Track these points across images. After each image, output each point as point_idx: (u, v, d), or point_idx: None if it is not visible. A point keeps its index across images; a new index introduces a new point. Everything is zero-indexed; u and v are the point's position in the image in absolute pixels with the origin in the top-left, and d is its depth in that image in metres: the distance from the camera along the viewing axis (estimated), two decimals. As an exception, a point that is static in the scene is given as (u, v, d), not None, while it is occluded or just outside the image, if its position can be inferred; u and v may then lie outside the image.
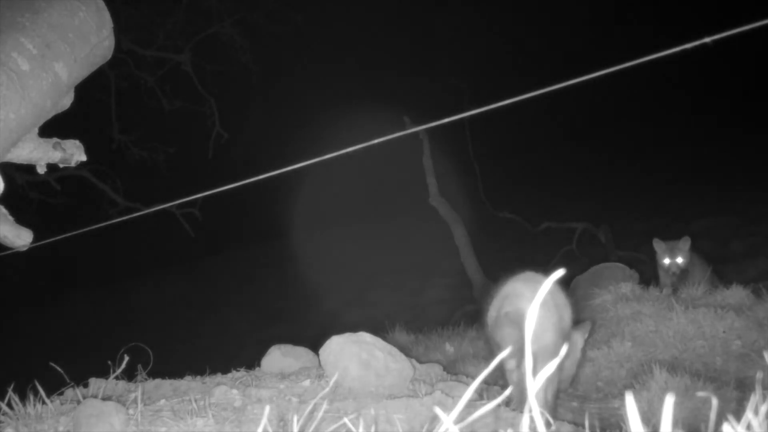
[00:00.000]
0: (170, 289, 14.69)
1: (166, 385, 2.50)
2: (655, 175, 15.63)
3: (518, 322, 2.39)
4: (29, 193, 9.04)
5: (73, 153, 2.32)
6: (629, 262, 5.37)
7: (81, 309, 14.01)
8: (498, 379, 2.98)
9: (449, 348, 4.27)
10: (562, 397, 2.88)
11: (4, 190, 2.01)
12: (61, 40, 2.13)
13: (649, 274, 4.51)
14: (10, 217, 2.21)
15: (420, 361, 2.94)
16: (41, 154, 2.23)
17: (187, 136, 11.07)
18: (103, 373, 2.42)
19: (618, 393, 2.97)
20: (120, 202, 9.48)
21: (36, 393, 2.08)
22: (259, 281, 13.86)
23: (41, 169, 2.32)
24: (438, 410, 0.96)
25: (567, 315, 2.57)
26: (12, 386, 2.05)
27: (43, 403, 2.09)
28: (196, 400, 2.07)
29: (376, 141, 1.91)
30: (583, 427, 2.31)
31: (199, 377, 2.67)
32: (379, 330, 3.50)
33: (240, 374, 2.66)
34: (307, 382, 2.38)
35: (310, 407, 1.95)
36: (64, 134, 2.35)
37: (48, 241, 2.33)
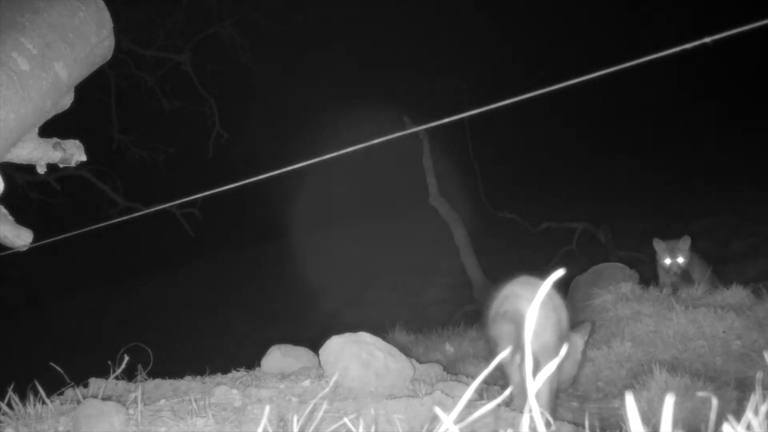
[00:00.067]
0: (170, 289, 14.69)
1: (166, 385, 2.50)
2: (655, 175, 15.63)
3: (517, 322, 2.40)
4: (29, 193, 9.04)
5: (73, 153, 2.32)
6: (629, 262, 5.36)
7: (81, 309, 14.01)
8: (498, 379, 2.98)
9: (449, 348, 4.27)
10: (562, 397, 2.89)
11: (4, 190, 2.01)
12: (61, 40, 2.13)
13: (649, 274, 4.50)
14: (10, 217, 2.21)
15: (420, 361, 2.94)
16: (41, 154, 2.23)
17: (187, 136, 11.07)
18: (103, 373, 2.42)
19: (618, 393, 2.97)
20: (120, 202, 9.48)
21: (36, 393, 2.08)
22: (259, 281, 13.86)
23: (41, 169, 2.32)
24: (438, 410, 0.96)
25: (564, 317, 2.58)
26: (12, 386, 2.05)
27: (43, 403, 2.09)
28: (196, 400, 2.07)
29: (376, 141, 1.91)
30: (583, 427, 2.32)
31: (199, 377, 2.67)
32: (379, 330, 3.50)
33: (240, 374, 2.66)
34: (307, 382, 2.38)
35: (310, 407, 1.95)
36: (64, 134, 2.35)
37: (48, 241, 2.34)
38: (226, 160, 10.77)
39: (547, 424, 1.38)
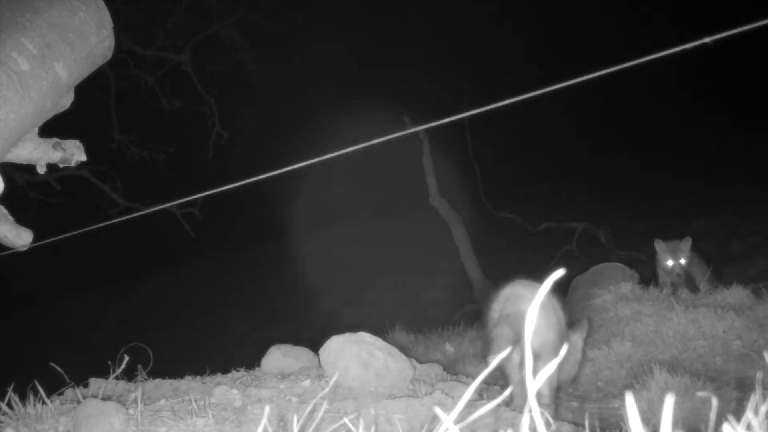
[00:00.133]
0: (170, 289, 14.69)
1: (166, 385, 2.50)
2: (655, 175, 15.63)
3: (520, 323, 2.40)
4: (29, 193, 9.04)
5: (73, 153, 2.32)
6: (629, 262, 5.36)
7: (81, 309, 14.01)
8: (498, 379, 2.98)
9: (449, 348, 4.27)
10: (562, 396, 2.89)
11: (4, 190, 2.01)
12: (61, 40, 2.13)
13: (649, 274, 4.50)
14: (10, 217, 2.21)
15: (420, 361, 2.94)
16: (41, 154, 2.23)
17: (187, 136, 11.07)
18: (103, 373, 2.42)
19: (618, 393, 2.97)
20: (120, 202, 9.48)
21: (36, 393, 2.08)
22: (259, 281, 13.86)
23: (41, 169, 2.32)
24: (438, 410, 0.96)
25: (562, 317, 2.61)
26: (12, 386, 2.05)
27: (43, 403, 2.09)
28: (196, 400, 2.07)
29: (376, 141, 1.91)
30: (583, 427, 2.32)
31: (199, 377, 2.67)
32: (379, 330, 3.50)
33: (240, 374, 2.66)
34: (307, 382, 2.38)
35: (310, 407, 1.95)
36: (64, 134, 2.35)
37: (48, 241, 2.34)
38: (226, 160, 10.77)
39: (547, 424, 1.38)
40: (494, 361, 1.04)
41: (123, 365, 2.34)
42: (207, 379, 2.63)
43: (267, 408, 1.98)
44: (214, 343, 10.55)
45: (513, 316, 2.44)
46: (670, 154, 16.93)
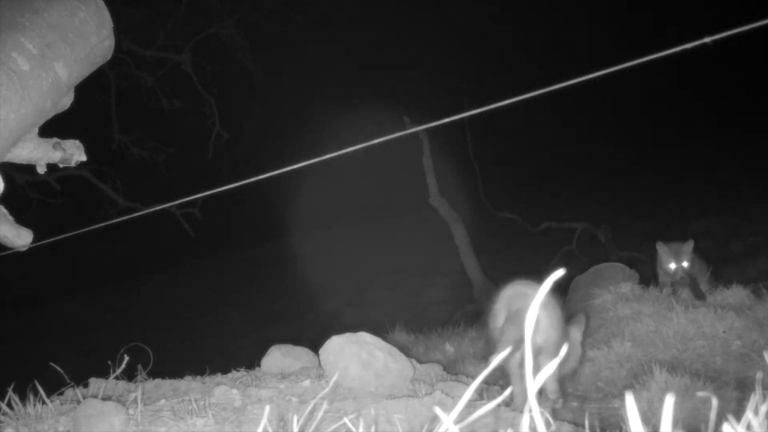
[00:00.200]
0: (170, 289, 14.69)
1: (166, 385, 2.50)
2: (655, 175, 15.64)
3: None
4: (29, 193, 9.04)
5: (73, 153, 2.32)
6: (629, 262, 5.36)
7: (81, 309, 14.00)
8: (498, 379, 2.98)
9: (449, 348, 4.27)
10: (564, 392, 2.90)
11: (4, 190, 2.01)
12: (61, 40, 2.13)
13: (649, 274, 4.50)
14: (10, 217, 2.21)
15: (420, 361, 2.94)
16: (41, 154, 2.23)
17: (187, 136, 11.07)
18: (103, 373, 2.42)
19: (618, 393, 2.97)
20: (120, 202, 9.48)
21: (36, 393, 2.08)
22: (258, 281, 13.86)
23: (41, 169, 2.32)
24: (438, 410, 0.96)
25: (563, 316, 2.63)
26: (12, 386, 2.05)
27: (43, 403, 2.09)
28: (196, 400, 2.07)
29: (376, 141, 1.91)
30: (583, 427, 2.32)
31: (199, 377, 2.67)
32: (379, 330, 3.50)
33: (240, 374, 2.66)
34: (307, 382, 2.38)
35: (310, 407, 1.95)
36: (64, 134, 2.35)
37: (48, 241, 2.33)
38: (226, 160, 10.76)
39: (547, 424, 1.38)
40: (495, 361, 1.04)
41: (123, 365, 2.34)
42: (207, 379, 2.63)
43: (267, 408, 1.98)
44: (214, 343, 10.54)
45: (520, 314, 2.45)
46: (670, 154, 16.94)
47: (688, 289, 3.93)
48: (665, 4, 18.25)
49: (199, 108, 10.14)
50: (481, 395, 2.68)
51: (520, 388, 2.44)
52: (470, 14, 16.43)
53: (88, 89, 2.54)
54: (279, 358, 2.76)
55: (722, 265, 7.01)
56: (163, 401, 2.18)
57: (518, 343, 2.38)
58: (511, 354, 2.36)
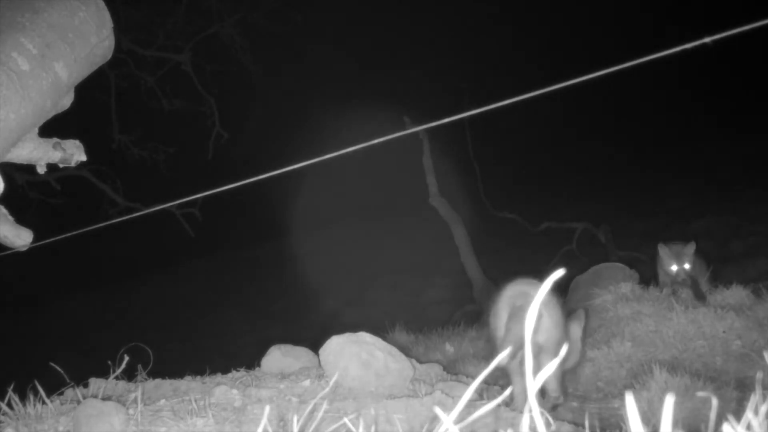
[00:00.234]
0: (170, 289, 14.69)
1: (166, 385, 2.50)
2: (655, 175, 15.63)
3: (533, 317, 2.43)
4: (29, 193, 9.03)
5: (73, 153, 2.32)
6: (629, 262, 5.36)
7: (81, 309, 14.01)
8: (498, 379, 2.98)
9: (449, 348, 4.27)
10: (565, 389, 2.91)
11: (4, 190, 2.01)
12: (61, 40, 2.13)
13: (649, 274, 4.50)
14: (10, 217, 2.21)
15: (420, 361, 2.94)
16: (41, 154, 2.23)
17: (187, 136, 11.07)
18: (103, 373, 2.42)
19: (618, 393, 2.97)
20: (120, 202, 9.48)
21: (36, 393, 2.08)
22: (258, 281, 13.87)
23: (41, 169, 2.32)
24: (438, 410, 0.96)
25: (564, 315, 2.66)
26: (12, 386, 2.05)
27: (43, 403, 2.09)
28: (196, 400, 2.07)
29: (376, 141, 1.91)
30: (583, 427, 2.32)
31: (199, 377, 2.67)
32: (379, 330, 3.50)
33: (240, 374, 2.67)
34: (307, 382, 2.38)
35: (310, 407, 1.95)
36: (64, 134, 2.35)
37: (48, 241, 2.33)
38: (226, 160, 10.77)
39: (547, 424, 1.38)
40: (498, 360, 1.04)
41: (123, 365, 2.34)
42: (207, 379, 2.63)
43: (267, 408, 1.98)
44: (214, 343, 10.54)
45: (523, 312, 2.46)
46: (670, 154, 16.94)
47: (689, 289, 3.94)
48: (665, 4, 18.26)
49: (199, 108, 10.14)
50: (481, 395, 2.68)
51: (520, 387, 2.45)
52: (470, 14, 16.43)
53: (88, 89, 2.54)
54: (279, 358, 2.76)
55: (722, 265, 7.01)
56: (163, 401, 2.18)
57: (522, 342, 2.38)
58: (515, 353, 2.37)
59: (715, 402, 1.93)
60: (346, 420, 1.72)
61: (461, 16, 16.54)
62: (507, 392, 1.70)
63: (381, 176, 15.00)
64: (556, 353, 2.40)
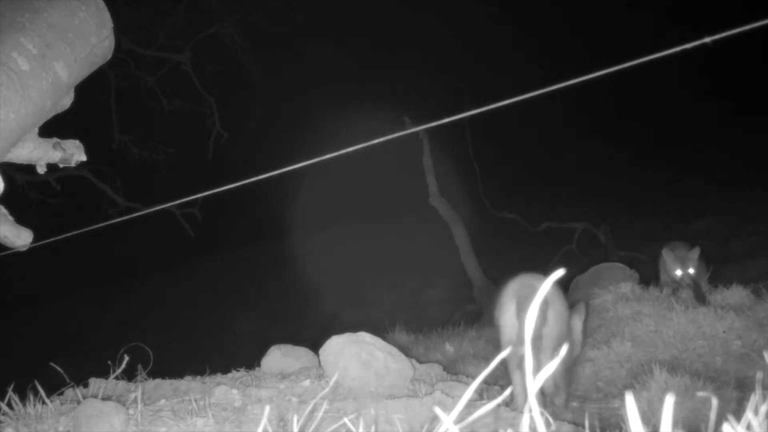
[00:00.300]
0: (170, 289, 14.69)
1: (166, 385, 2.50)
2: (655, 175, 15.64)
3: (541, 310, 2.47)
4: (29, 193, 9.03)
5: (73, 153, 2.32)
6: (629, 262, 5.36)
7: (81, 309, 14.01)
8: (498, 379, 2.98)
9: (449, 348, 4.27)
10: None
11: (4, 190, 2.01)
12: (61, 40, 2.13)
13: (649, 274, 4.50)
14: (10, 217, 2.21)
15: (420, 361, 2.94)
16: (41, 154, 2.23)
17: (187, 136, 11.07)
18: (103, 373, 2.42)
19: (618, 393, 2.98)
20: (120, 202, 9.47)
21: (36, 393, 2.08)
22: (259, 281, 13.87)
23: (41, 169, 2.32)
24: (438, 410, 0.96)
25: (568, 309, 2.72)
26: (12, 386, 2.05)
27: (43, 403, 2.09)
28: (196, 400, 2.07)
29: (376, 141, 1.91)
30: (583, 427, 2.32)
31: (199, 377, 2.67)
32: (379, 330, 3.50)
33: (240, 374, 2.67)
34: (307, 382, 2.38)
35: (310, 407, 1.95)
36: (64, 134, 2.35)
37: (48, 241, 2.33)
38: (226, 160, 10.76)
39: (547, 424, 1.38)
40: (506, 351, 1.04)
41: (123, 365, 2.34)
42: (207, 379, 2.64)
43: (267, 408, 1.98)
44: (214, 343, 10.54)
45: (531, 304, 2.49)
46: (670, 154, 16.94)
47: (690, 291, 3.94)
48: (665, 4, 18.26)
49: (199, 108, 10.13)
50: (481, 395, 2.68)
51: (521, 386, 2.46)
52: (470, 14, 16.43)
53: (88, 89, 2.54)
54: (279, 358, 2.76)
55: (722, 265, 7.01)
56: (163, 401, 2.18)
57: (535, 334, 2.42)
58: (532, 344, 2.40)
59: (715, 402, 1.93)
60: (346, 420, 1.72)
61: (461, 16, 16.54)
62: (507, 392, 1.70)
63: (381, 176, 15.00)
64: (559, 346, 2.43)
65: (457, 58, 16.14)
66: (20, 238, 2.19)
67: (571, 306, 2.85)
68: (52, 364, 2.35)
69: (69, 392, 2.33)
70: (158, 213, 2.60)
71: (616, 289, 4.15)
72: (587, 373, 3.27)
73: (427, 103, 11.24)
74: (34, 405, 2.06)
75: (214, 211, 10.02)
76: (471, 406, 1.90)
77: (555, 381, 2.58)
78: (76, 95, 2.34)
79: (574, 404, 2.90)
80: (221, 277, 15.01)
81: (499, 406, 2.19)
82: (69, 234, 2.35)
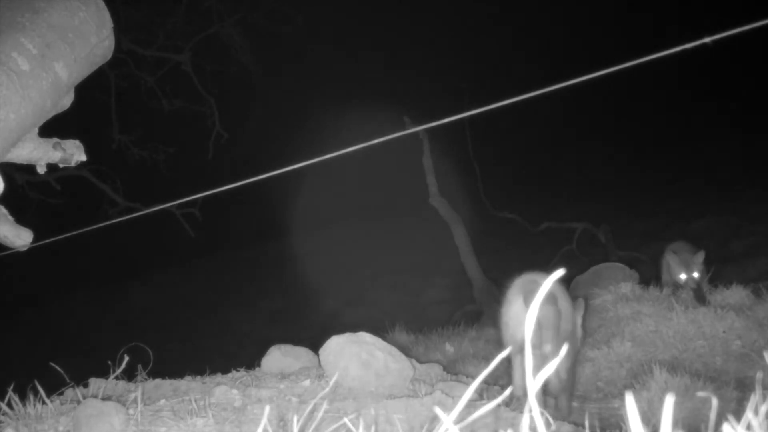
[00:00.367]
0: (170, 289, 14.69)
1: (166, 385, 2.50)
2: (655, 175, 15.63)
3: (552, 305, 2.50)
4: (29, 193, 9.03)
5: (73, 153, 2.32)
6: (629, 262, 5.37)
7: (81, 309, 14.01)
8: (498, 379, 2.98)
9: (449, 348, 4.27)
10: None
11: (4, 190, 2.01)
12: (61, 40, 2.13)
13: (649, 274, 4.50)
14: (10, 217, 2.21)
15: (420, 361, 2.94)
16: (41, 154, 2.23)
17: (187, 136, 11.07)
18: (103, 373, 2.42)
19: (618, 393, 2.98)
20: (120, 202, 9.47)
21: (36, 393, 2.08)
22: (259, 281, 13.87)
23: (41, 169, 2.32)
24: (438, 410, 0.96)
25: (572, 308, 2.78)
26: (12, 386, 2.05)
27: (43, 403, 2.09)
28: (196, 400, 2.07)
29: (376, 141, 1.91)
30: (583, 427, 2.32)
31: (199, 377, 2.67)
32: (379, 330, 3.50)
33: (240, 374, 2.67)
34: (307, 382, 2.38)
35: (310, 407, 1.95)
36: (64, 134, 2.35)
37: (48, 241, 2.33)
38: (226, 160, 10.76)
39: (547, 424, 1.38)
40: (496, 360, 1.04)
41: (123, 365, 2.34)
42: (207, 379, 2.63)
43: (267, 408, 1.98)
44: (214, 343, 10.55)
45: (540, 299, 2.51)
46: (670, 154, 16.93)
47: (691, 293, 3.93)
48: (665, 4, 18.26)
49: (199, 108, 10.13)
50: (481, 395, 2.68)
51: (522, 381, 2.47)
52: (470, 14, 16.43)
53: (88, 89, 2.54)
54: (279, 358, 2.76)
55: (722, 265, 7.01)
56: (163, 401, 2.18)
57: (550, 327, 2.45)
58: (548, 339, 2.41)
59: (715, 402, 1.93)
60: (346, 420, 1.72)
61: (461, 16, 16.54)
62: (507, 392, 1.70)
63: (381, 176, 15.00)
64: (567, 340, 2.47)
65: (457, 58, 16.15)
66: (20, 238, 2.19)
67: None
68: (52, 364, 2.35)
69: (69, 392, 2.33)
70: (158, 213, 2.60)
71: (616, 289, 4.16)
72: (587, 373, 3.27)
73: (427, 103, 11.23)
74: (34, 405, 2.06)
75: (214, 211, 10.02)
76: (471, 406, 1.90)
77: (560, 379, 2.59)
78: (76, 95, 2.34)
79: (574, 404, 2.90)
80: (221, 277, 15.01)
81: (499, 406, 2.19)
82: (69, 234, 2.35)
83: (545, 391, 2.64)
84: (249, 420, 1.98)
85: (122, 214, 8.59)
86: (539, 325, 2.42)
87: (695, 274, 3.88)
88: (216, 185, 2.17)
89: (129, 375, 2.48)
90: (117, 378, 2.40)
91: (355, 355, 2.38)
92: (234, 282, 14.34)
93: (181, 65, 9.77)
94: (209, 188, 2.17)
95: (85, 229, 2.34)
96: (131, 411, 2.00)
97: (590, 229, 9.47)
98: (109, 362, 2.39)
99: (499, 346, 2.67)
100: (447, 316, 8.13)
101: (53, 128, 2.28)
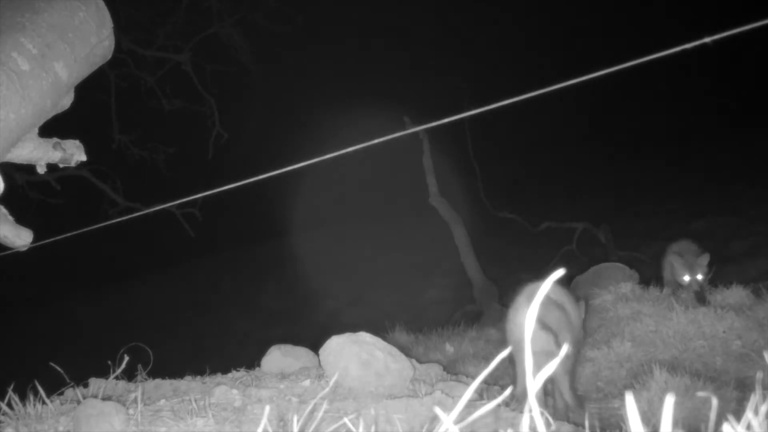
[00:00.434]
0: (170, 289, 14.70)
1: (166, 385, 2.50)
2: (655, 175, 15.64)
3: (562, 311, 2.53)
4: (29, 193, 9.02)
5: (73, 153, 2.32)
6: (629, 262, 5.36)
7: (81, 309, 14.01)
8: (498, 379, 2.98)
9: (449, 348, 4.27)
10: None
11: (4, 190, 2.01)
12: (61, 40, 2.13)
13: (649, 274, 4.50)
14: (10, 217, 2.21)
15: (420, 361, 2.94)
16: (41, 154, 2.23)
17: (187, 136, 11.07)
18: (103, 373, 2.42)
19: (618, 393, 2.97)
20: (120, 202, 9.47)
21: (36, 393, 2.08)
22: (259, 281, 13.87)
23: (41, 169, 2.32)
24: (438, 410, 0.96)
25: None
26: (12, 386, 2.05)
27: (43, 403, 2.09)
28: (196, 400, 2.07)
29: (376, 141, 1.91)
30: (583, 427, 2.32)
31: (199, 377, 2.67)
32: (379, 330, 3.50)
33: (240, 374, 2.67)
34: (307, 382, 2.38)
35: (310, 407, 1.95)
36: (64, 134, 2.35)
37: (48, 241, 2.33)
38: (226, 160, 10.76)
39: (547, 424, 1.38)
40: (500, 356, 1.04)
41: (123, 365, 2.33)
42: (207, 379, 2.63)
43: (267, 408, 1.98)
44: (214, 343, 10.54)
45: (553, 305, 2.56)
46: (670, 154, 16.94)
47: (692, 293, 3.93)
48: (665, 4, 18.26)
49: (199, 108, 10.12)
50: (481, 395, 2.68)
51: (522, 383, 2.47)
52: (470, 14, 16.43)
53: (88, 89, 2.54)
54: (279, 358, 2.76)
55: (722, 265, 7.00)
56: (163, 401, 2.18)
57: (560, 329, 2.47)
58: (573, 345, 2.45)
59: (715, 402, 1.93)
60: (346, 420, 1.72)
61: (461, 16, 16.54)
62: (507, 392, 1.70)
63: (381, 176, 15.00)
64: (578, 346, 2.50)
65: (457, 58, 16.15)
66: (20, 238, 2.19)
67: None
68: (52, 364, 2.35)
69: (69, 392, 2.33)
70: (158, 213, 2.60)
71: (616, 289, 4.16)
72: (587, 373, 3.27)
73: (427, 103, 11.24)
74: (34, 405, 2.06)
75: (214, 211, 10.02)
76: (471, 406, 1.90)
77: (568, 381, 2.61)
78: (76, 95, 2.34)
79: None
80: (221, 277, 15.01)
81: (499, 406, 2.19)
82: (69, 234, 2.35)
83: (545, 391, 2.64)
84: (249, 420, 1.98)
85: (122, 214, 8.59)
86: (554, 332, 2.43)
87: (699, 277, 3.87)
88: (216, 185, 2.17)
89: (129, 375, 2.48)
90: (117, 378, 2.40)
91: (355, 355, 2.38)
92: (234, 282, 14.34)
93: (181, 65, 9.76)
94: (209, 188, 2.17)
95: (85, 229, 2.34)
96: (131, 411, 2.00)
97: (590, 229, 9.47)
98: (109, 362, 2.39)
99: (500, 346, 2.68)
100: (447, 316, 8.12)
101: (53, 128, 2.28)
